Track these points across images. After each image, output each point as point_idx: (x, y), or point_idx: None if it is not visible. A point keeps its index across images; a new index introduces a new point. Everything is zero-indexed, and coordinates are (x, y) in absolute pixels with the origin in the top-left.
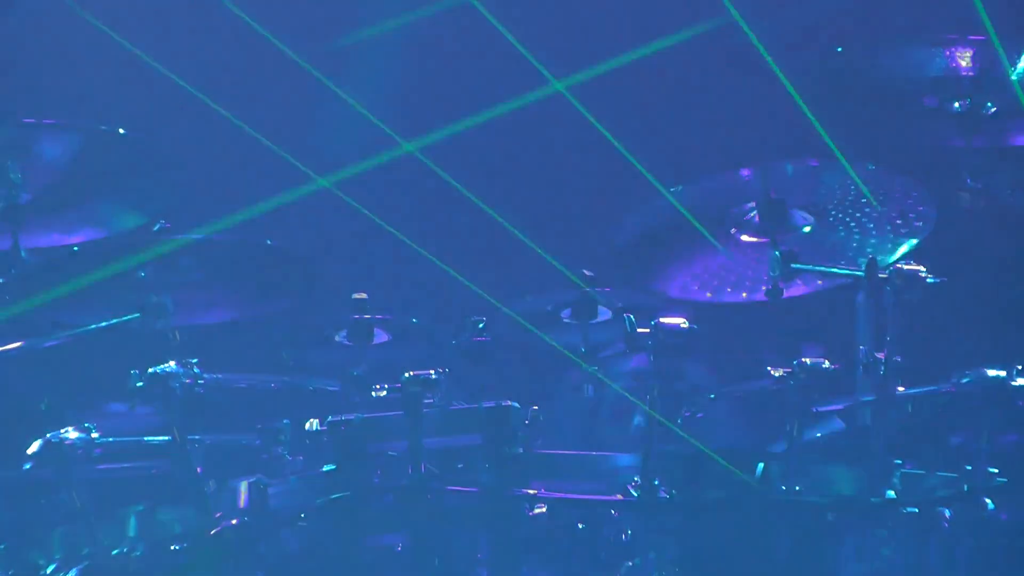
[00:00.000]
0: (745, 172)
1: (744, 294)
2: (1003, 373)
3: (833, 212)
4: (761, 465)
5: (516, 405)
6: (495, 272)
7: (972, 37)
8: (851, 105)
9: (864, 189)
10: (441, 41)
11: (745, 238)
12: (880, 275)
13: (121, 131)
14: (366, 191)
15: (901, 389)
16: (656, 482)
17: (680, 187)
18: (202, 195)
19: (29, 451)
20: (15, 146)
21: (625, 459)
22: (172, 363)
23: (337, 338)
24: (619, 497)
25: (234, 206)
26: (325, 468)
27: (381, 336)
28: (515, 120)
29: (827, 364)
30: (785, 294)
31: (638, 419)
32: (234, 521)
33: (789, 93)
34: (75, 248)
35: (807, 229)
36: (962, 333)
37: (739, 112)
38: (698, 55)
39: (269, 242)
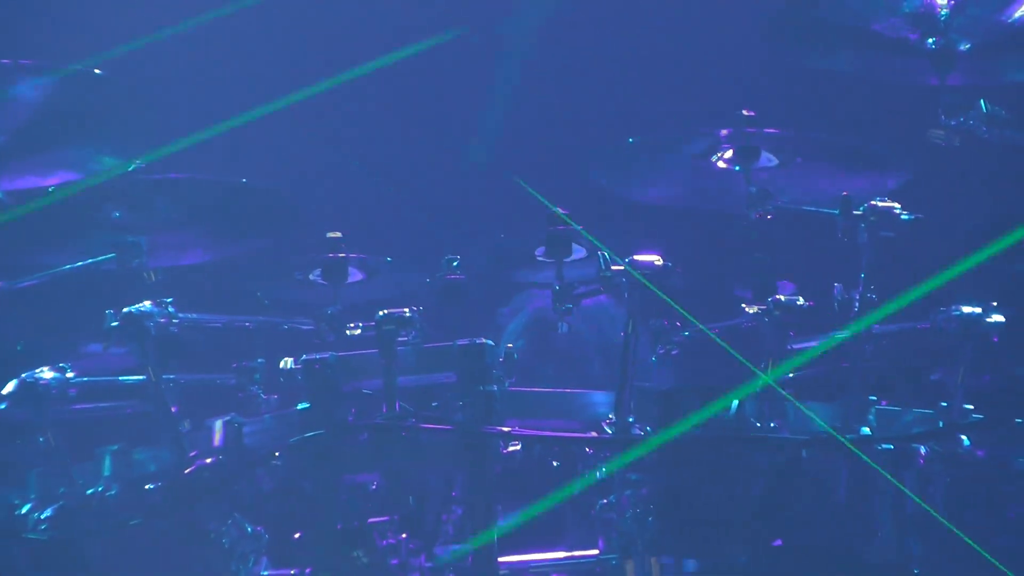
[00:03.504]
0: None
1: None
2: (979, 310)
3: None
4: (736, 402)
5: (491, 343)
6: (470, 210)
7: None
8: (823, 44)
9: None
10: None
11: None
12: (855, 211)
13: (97, 71)
14: (342, 128)
15: (877, 325)
16: (631, 419)
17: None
18: (179, 136)
19: (4, 391)
20: None
21: (599, 396)
22: (147, 303)
23: (311, 277)
24: (594, 434)
25: (210, 146)
26: (299, 407)
27: (355, 275)
28: (488, 53)
29: (801, 301)
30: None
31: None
32: (209, 460)
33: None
34: (50, 189)
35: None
36: (938, 270)
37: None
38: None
39: (244, 181)
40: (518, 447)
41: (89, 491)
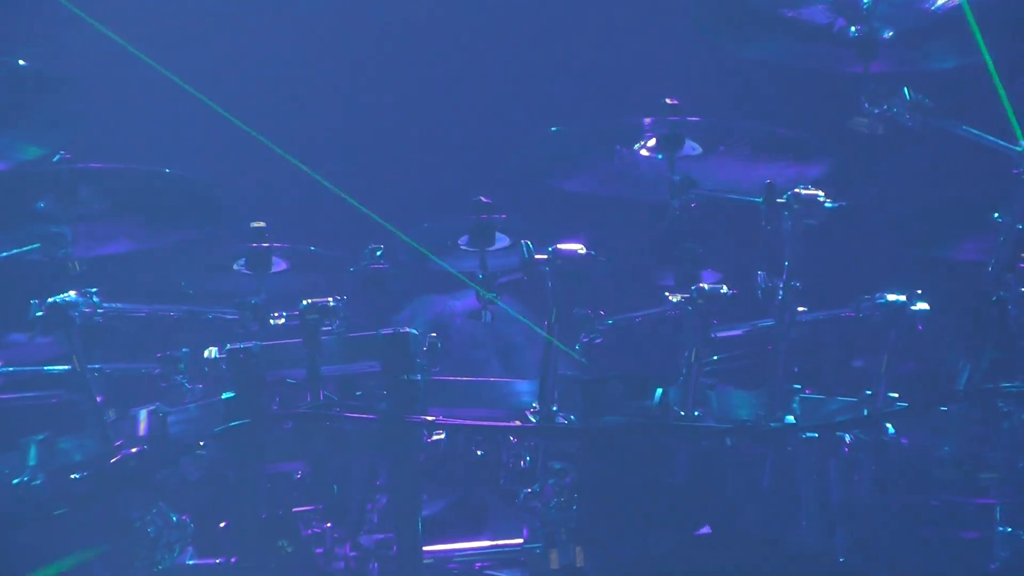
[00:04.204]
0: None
1: None
2: (903, 297)
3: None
4: (660, 390)
5: (414, 332)
6: (394, 199)
7: None
8: (747, 31)
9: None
10: None
11: (644, 152)
12: (778, 200)
13: (21, 62)
14: (264, 118)
15: (802, 310)
16: (555, 408)
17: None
18: (104, 126)
19: None
20: None
21: (523, 385)
22: (72, 293)
23: (235, 267)
24: (517, 423)
25: (136, 137)
26: (224, 396)
27: (279, 264)
28: (414, 51)
29: (725, 289)
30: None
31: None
32: (134, 449)
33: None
34: None
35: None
36: (862, 258)
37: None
38: None
39: (168, 171)
40: (442, 436)
41: (15, 481)
